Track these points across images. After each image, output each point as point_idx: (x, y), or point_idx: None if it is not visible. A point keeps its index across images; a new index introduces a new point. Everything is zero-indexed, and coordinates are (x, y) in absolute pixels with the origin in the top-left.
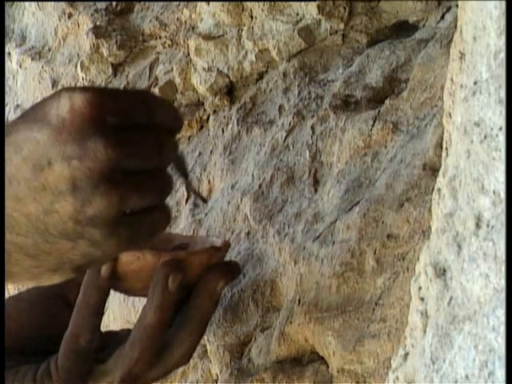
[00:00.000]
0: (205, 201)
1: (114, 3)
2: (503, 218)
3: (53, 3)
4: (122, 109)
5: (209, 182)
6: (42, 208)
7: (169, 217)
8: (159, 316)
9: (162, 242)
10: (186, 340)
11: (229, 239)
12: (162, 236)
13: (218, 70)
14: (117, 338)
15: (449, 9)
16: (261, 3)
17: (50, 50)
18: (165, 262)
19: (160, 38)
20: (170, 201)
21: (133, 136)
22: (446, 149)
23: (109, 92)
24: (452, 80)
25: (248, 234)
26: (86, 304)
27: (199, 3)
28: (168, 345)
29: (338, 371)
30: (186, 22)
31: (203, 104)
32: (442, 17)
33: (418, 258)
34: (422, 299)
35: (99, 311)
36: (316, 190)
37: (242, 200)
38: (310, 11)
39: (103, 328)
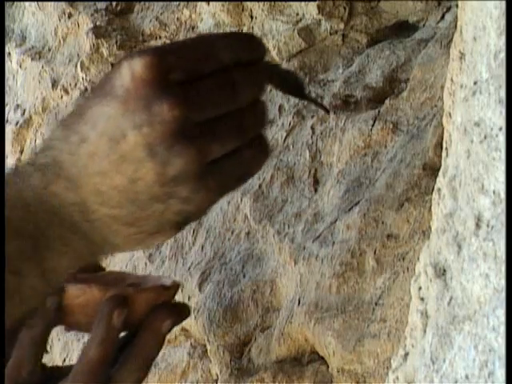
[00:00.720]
0: (327, 111)
1: (113, 3)
2: (503, 218)
3: (53, 3)
4: (184, 61)
5: None
6: (127, 178)
7: (265, 149)
8: (102, 351)
9: (114, 280)
10: (129, 378)
11: (228, 239)
12: (114, 274)
13: None
14: (60, 373)
15: (449, 9)
16: (261, 3)
17: (50, 50)
18: (110, 297)
19: (160, 38)
20: None
21: (200, 87)
22: (446, 149)
23: (168, 49)
24: (452, 80)
25: (248, 233)
26: (29, 335)
27: (199, 3)
28: (111, 381)
29: (338, 371)
30: (185, 22)
31: None
32: (442, 17)
33: (418, 258)
34: (422, 299)
35: (42, 343)
36: (316, 190)
37: (241, 200)
38: (310, 11)
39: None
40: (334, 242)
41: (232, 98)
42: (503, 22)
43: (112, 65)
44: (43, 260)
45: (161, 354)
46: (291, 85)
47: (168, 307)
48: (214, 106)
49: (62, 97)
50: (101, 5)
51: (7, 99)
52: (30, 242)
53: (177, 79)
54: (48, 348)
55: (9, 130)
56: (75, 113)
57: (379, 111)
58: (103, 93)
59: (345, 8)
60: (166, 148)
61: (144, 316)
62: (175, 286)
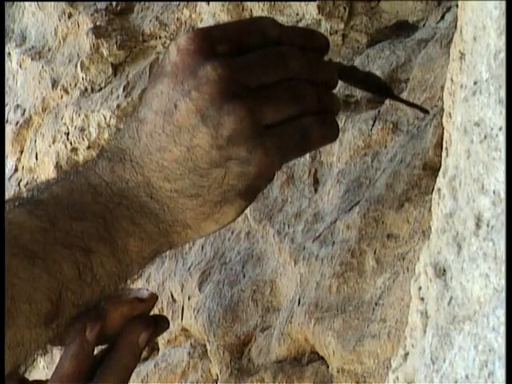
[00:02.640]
0: (427, 112)
1: (114, 3)
2: (503, 218)
3: (53, 3)
4: (230, 34)
5: None
6: (185, 147)
7: (330, 124)
8: (76, 365)
9: None
10: None
11: (228, 239)
12: None
13: None
14: None
15: (449, 9)
16: (261, 3)
17: (49, 50)
18: (84, 312)
19: (160, 37)
20: None
21: (247, 55)
22: (446, 149)
23: (214, 26)
24: (452, 80)
25: (248, 233)
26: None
27: (199, 3)
28: None
29: (338, 371)
30: (185, 22)
31: None
32: (442, 17)
33: (418, 258)
34: (422, 299)
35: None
36: (316, 190)
37: None
38: (310, 11)
39: None
40: (334, 242)
41: (283, 68)
42: (503, 22)
43: (112, 65)
44: (112, 239)
45: (161, 353)
46: (373, 84)
47: (144, 320)
48: (263, 71)
49: (61, 97)
50: (101, 5)
51: (7, 99)
52: (99, 221)
53: (222, 50)
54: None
55: (9, 129)
56: (138, 102)
57: (379, 111)
58: (156, 75)
59: (345, 8)
60: (216, 109)
61: (120, 329)
62: (152, 299)
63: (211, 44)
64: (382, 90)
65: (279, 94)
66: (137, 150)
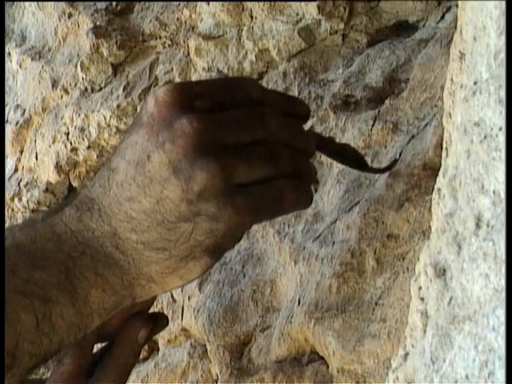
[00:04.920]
0: (388, 168)
1: (113, 3)
2: (503, 217)
3: (53, 3)
4: (210, 90)
5: None
6: (155, 199)
7: (303, 190)
8: (75, 362)
9: None
10: None
11: None
12: None
13: (218, 70)
14: None
15: (449, 9)
16: (261, 3)
17: (49, 50)
18: None
19: (160, 37)
20: None
21: (224, 111)
22: (446, 149)
23: (192, 81)
24: (452, 80)
25: (248, 233)
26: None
27: (199, 3)
28: None
29: (338, 371)
30: (186, 22)
31: None
32: (442, 17)
33: (418, 258)
34: (422, 299)
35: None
36: (316, 190)
37: None
38: (310, 11)
39: None
40: (334, 242)
41: (260, 128)
42: (503, 22)
43: (112, 65)
44: (74, 288)
45: (161, 353)
46: (349, 157)
47: (143, 317)
48: (240, 129)
49: (61, 97)
50: (101, 5)
51: (7, 99)
52: (61, 270)
53: (201, 105)
54: None
55: (9, 129)
56: (112, 152)
57: (379, 111)
58: (133, 125)
59: (345, 8)
60: (188, 163)
61: (119, 326)
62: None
63: (190, 98)
64: (357, 163)
65: (255, 154)
66: (106, 199)
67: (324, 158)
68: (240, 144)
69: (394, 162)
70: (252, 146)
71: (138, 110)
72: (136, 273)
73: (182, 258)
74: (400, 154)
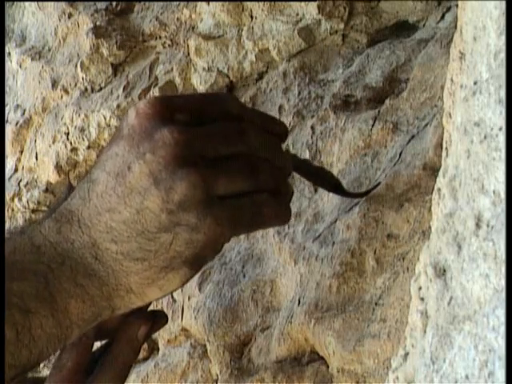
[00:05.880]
0: (361, 195)
1: (114, 3)
2: (503, 217)
3: (53, 3)
4: (190, 104)
5: None
6: (135, 209)
7: (281, 206)
8: (75, 360)
9: None
10: None
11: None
12: None
13: (218, 69)
14: (37, 383)
15: (449, 9)
16: (261, 3)
17: (49, 50)
18: None
19: (160, 37)
20: None
21: (205, 124)
22: (446, 149)
23: (173, 95)
24: (452, 80)
25: (248, 234)
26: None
27: (199, 3)
28: None
29: (338, 371)
30: (186, 22)
31: None
32: (442, 17)
33: (418, 258)
34: (422, 299)
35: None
36: (316, 190)
37: None
38: (310, 11)
39: None
40: (334, 242)
41: (240, 142)
42: (503, 22)
43: (112, 65)
44: (53, 299)
45: (161, 353)
46: (325, 180)
47: (142, 315)
48: (221, 142)
49: (61, 97)
50: (101, 5)
51: (7, 99)
52: (41, 281)
53: (181, 118)
54: None
55: (9, 129)
56: (92, 164)
57: (379, 111)
58: (113, 138)
59: (345, 8)
60: (169, 173)
61: (119, 324)
62: None
63: (171, 111)
64: (332, 186)
65: (235, 167)
66: (86, 210)
67: (324, 158)
68: (220, 156)
69: (375, 187)
70: (232, 159)
71: None
72: (115, 284)
73: (162, 269)
74: (377, 184)
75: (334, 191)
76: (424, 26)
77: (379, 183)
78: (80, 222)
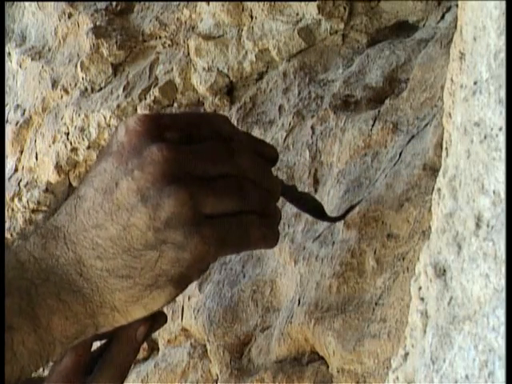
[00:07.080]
0: (336, 219)
1: (114, 3)
2: (503, 217)
3: (53, 3)
4: (180, 123)
5: None
6: (122, 226)
7: (270, 228)
8: (74, 359)
9: None
10: None
11: None
12: None
13: (218, 69)
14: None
15: (449, 9)
16: (261, 3)
17: (50, 50)
18: None
19: (160, 37)
20: None
21: (194, 143)
22: (446, 149)
23: (163, 113)
24: (452, 80)
25: None
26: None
27: (199, 3)
28: None
29: (338, 371)
30: (185, 22)
31: (203, 104)
32: (442, 17)
33: (418, 258)
34: (422, 299)
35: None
36: (316, 190)
37: None
38: (310, 11)
39: None
40: (334, 242)
41: (228, 162)
42: (503, 22)
43: (112, 65)
44: (35, 315)
45: (161, 353)
46: (310, 206)
47: None
48: (209, 161)
49: (61, 97)
50: (101, 5)
51: (7, 99)
52: (24, 297)
53: (171, 137)
54: None
55: (9, 129)
56: (80, 180)
57: (379, 111)
58: (102, 154)
59: (345, 8)
60: (156, 190)
61: None
62: None
63: (160, 128)
64: (316, 211)
65: (223, 187)
66: (72, 226)
67: (324, 158)
68: (209, 175)
69: (349, 210)
70: (221, 179)
71: (138, 110)
72: (99, 301)
73: (147, 287)
74: (357, 203)
75: (316, 217)
76: (424, 25)
77: (358, 202)
78: (66, 239)
